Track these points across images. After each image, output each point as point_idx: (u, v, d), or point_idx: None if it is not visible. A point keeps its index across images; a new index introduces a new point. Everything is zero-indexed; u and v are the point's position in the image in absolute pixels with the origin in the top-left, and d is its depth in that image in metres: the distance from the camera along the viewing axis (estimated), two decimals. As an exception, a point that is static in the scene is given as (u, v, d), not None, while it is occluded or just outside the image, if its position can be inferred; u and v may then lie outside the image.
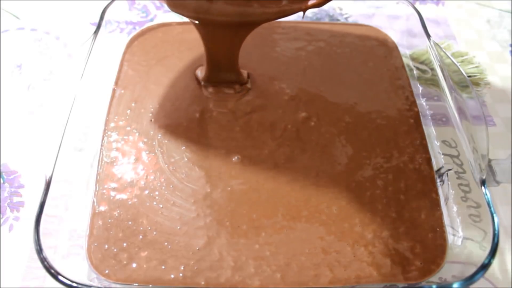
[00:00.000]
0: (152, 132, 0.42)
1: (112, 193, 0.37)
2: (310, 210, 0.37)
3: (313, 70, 0.47)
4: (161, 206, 0.37)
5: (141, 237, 0.35)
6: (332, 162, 0.40)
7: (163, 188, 0.38)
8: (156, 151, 0.40)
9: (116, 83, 0.46)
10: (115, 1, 0.47)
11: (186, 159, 0.40)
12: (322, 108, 0.44)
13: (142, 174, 0.39)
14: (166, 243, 0.35)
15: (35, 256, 0.30)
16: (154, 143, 0.41)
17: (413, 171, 0.39)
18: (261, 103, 0.44)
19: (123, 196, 0.37)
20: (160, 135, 0.41)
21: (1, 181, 0.41)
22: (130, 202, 0.37)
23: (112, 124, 0.42)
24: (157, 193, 0.37)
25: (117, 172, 0.39)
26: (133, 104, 0.44)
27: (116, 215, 0.36)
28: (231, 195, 0.37)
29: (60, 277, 0.30)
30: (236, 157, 0.40)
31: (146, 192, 0.37)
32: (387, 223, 0.36)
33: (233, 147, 0.41)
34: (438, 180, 0.39)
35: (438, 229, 0.36)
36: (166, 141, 0.41)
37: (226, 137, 0.41)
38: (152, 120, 0.42)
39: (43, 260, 0.30)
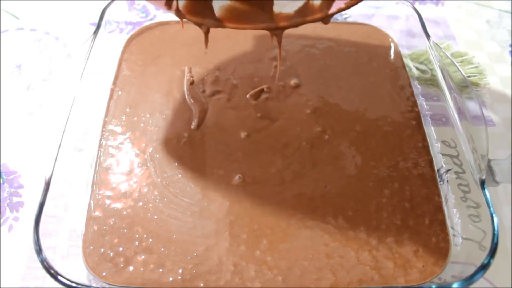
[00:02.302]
0: (144, 145, 0.41)
1: (107, 201, 0.37)
2: (316, 220, 0.36)
3: (329, 73, 0.47)
4: (155, 217, 0.36)
5: (137, 243, 0.35)
6: (341, 173, 0.39)
7: (157, 201, 0.37)
8: (148, 164, 0.39)
9: (114, 83, 0.45)
10: (115, 2, 0.47)
11: (180, 176, 0.39)
12: (336, 118, 0.43)
13: (136, 186, 0.38)
14: (163, 249, 0.34)
15: (35, 256, 0.30)
16: (146, 156, 0.40)
17: (417, 177, 0.39)
18: (281, 124, 0.42)
19: (118, 205, 0.37)
20: (151, 149, 0.40)
21: (1, 181, 0.41)
22: (124, 212, 0.36)
23: (110, 127, 0.42)
24: (151, 205, 0.37)
25: (112, 180, 0.38)
26: (128, 110, 0.43)
27: (111, 223, 0.36)
28: (231, 209, 0.37)
29: (59, 277, 0.30)
30: (237, 177, 0.39)
31: (140, 203, 0.37)
32: (392, 229, 0.36)
33: (235, 168, 0.39)
34: (438, 180, 0.39)
35: (441, 233, 0.36)
36: (157, 155, 0.40)
37: (225, 159, 0.40)
38: (144, 131, 0.42)
39: (43, 261, 0.30)
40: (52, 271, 0.30)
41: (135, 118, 0.43)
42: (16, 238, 0.37)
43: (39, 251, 0.30)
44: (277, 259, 0.34)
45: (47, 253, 0.31)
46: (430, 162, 0.40)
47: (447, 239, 0.36)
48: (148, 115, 0.43)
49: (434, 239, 0.35)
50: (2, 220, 0.38)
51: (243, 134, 0.41)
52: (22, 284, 0.35)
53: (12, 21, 0.55)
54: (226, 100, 0.44)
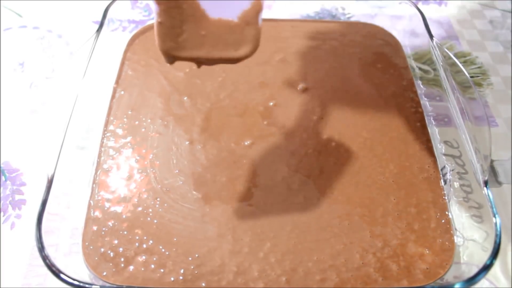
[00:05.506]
0: (144, 151, 0.40)
1: (107, 204, 0.37)
2: (321, 225, 0.36)
3: (335, 76, 0.46)
4: (155, 221, 0.36)
5: (137, 244, 0.35)
6: (348, 181, 0.39)
7: (157, 206, 0.37)
8: (148, 171, 0.39)
9: (117, 82, 0.45)
10: (118, 0, 0.47)
11: (181, 182, 0.38)
12: (343, 125, 0.42)
13: (135, 191, 0.38)
14: (163, 250, 0.34)
15: (37, 254, 0.31)
16: (146, 162, 0.39)
17: (423, 181, 0.39)
18: (287, 131, 0.42)
19: (117, 209, 0.37)
20: (152, 155, 0.40)
21: (3, 179, 0.41)
22: (124, 216, 0.36)
23: (111, 127, 0.42)
24: (150, 210, 0.37)
25: (112, 184, 0.38)
26: (129, 112, 0.43)
27: (110, 225, 0.36)
28: (234, 215, 0.36)
29: (61, 275, 0.30)
30: (241, 185, 0.38)
31: (140, 209, 0.37)
32: (398, 233, 0.36)
33: (239, 175, 0.39)
34: (441, 181, 0.39)
35: (446, 235, 0.36)
36: (158, 162, 0.39)
37: (229, 166, 0.39)
38: (144, 137, 0.41)
39: (45, 258, 0.30)
40: (54, 269, 0.30)
41: (137, 122, 0.42)
42: (18, 236, 0.37)
43: (41, 248, 0.30)
44: (280, 260, 0.34)
45: (49, 250, 0.31)
46: (435, 164, 0.40)
47: (452, 241, 0.35)
48: (149, 120, 0.42)
49: (439, 241, 0.35)
50: (4, 217, 0.38)
51: (248, 142, 0.41)
52: (24, 282, 0.35)
53: (15, 19, 0.55)
54: (232, 106, 0.44)
